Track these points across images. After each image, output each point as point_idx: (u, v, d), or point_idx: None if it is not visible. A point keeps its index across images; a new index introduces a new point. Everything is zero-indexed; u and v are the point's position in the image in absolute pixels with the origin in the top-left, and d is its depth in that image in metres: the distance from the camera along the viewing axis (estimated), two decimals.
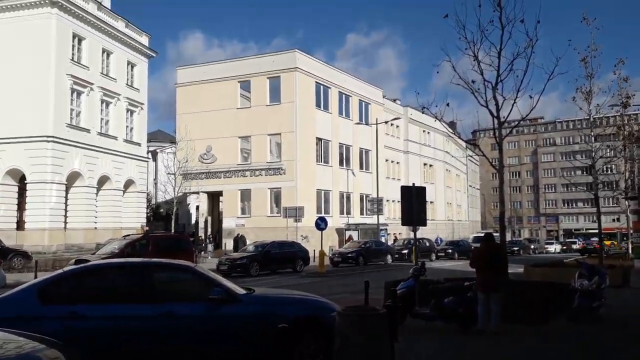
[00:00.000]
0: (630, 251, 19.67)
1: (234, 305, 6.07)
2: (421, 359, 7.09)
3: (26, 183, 28.57)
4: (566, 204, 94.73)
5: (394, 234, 43.14)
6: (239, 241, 30.68)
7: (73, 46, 29.90)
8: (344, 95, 41.08)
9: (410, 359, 6.79)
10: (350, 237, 34.39)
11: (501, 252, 9.11)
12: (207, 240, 35.20)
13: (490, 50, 10.90)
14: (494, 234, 10.73)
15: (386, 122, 40.97)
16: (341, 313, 5.68)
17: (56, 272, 6.57)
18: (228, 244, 35.53)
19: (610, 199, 23.70)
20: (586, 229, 72.62)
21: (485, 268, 8.71)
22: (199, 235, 36.19)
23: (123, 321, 5.71)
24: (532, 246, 49.40)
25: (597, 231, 19.60)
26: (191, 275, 6.49)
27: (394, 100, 52.43)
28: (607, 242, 32.05)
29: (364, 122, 41.30)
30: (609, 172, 20.63)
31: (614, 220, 64.50)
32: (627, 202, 20.74)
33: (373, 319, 5.56)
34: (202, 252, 33.60)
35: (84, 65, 30.49)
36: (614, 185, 21.08)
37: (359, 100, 42.81)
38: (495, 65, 10.83)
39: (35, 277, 14.45)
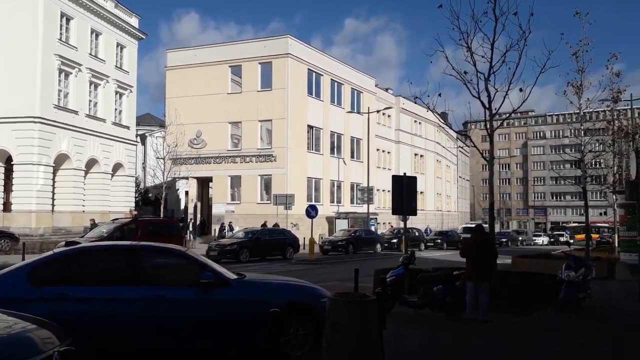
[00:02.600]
0: (616, 244, 19.98)
1: (225, 290, 6.07)
2: (409, 346, 7.17)
3: (13, 164, 28.22)
4: (554, 197, 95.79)
5: (389, 223, 43.38)
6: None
7: (61, 26, 29.38)
8: (336, 83, 40.92)
9: (398, 346, 6.86)
10: (353, 225, 34.04)
11: (491, 243, 9.20)
12: (230, 227, 32.06)
13: (484, 41, 10.91)
14: (484, 225, 10.85)
15: (378, 112, 40.96)
16: (332, 299, 5.71)
17: (46, 253, 6.50)
18: (216, 230, 35.47)
19: (598, 192, 23.94)
20: (573, 222, 73.50)
21: (476, 258, 8.81)
22: (223, 224, 32.98)
23: (114, 303, 5.69)
24: (520, 238, 49.92)
25: (584, 224, 19.84)
26: (182, 259, 6.47)
27: (386, 90, 52.38)
28: None
29: (355, 111, 41.23)
30: (598, 166, 20.86)
31: (600, 214, 65.43)
32: (614, 196, 20.99)
33: (363, 305, 5.60)
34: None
35: (72, 46, 29.99)
36: (602, 179, 21.34)
37: (351, 88, 42.69)
38: (488, 56, 10.84)
39: (23, 259, 14.33)
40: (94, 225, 24.43)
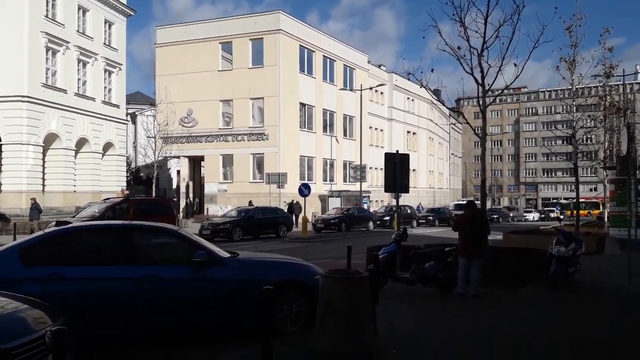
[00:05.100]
0: (606, 219, 20.21)
1: (218, 268, 6.09)
2: (401, 321, 7.26)
3: (2, 144, 27.89)
4: (546, 173, 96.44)
5: (382, 201, 43.51)
6: (294, 207, 29.82)
7: (47, 2, 28.71)
8: (328, 60, 40.50)
9: (390, 321, 6.95)
10: (357, 204, 33.80)
11: (484, 219, 9.25)
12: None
13: (477, 16, 10.79)
14: (475, 202, 10.91)
15: (371, 89, 40.67)
16: (325, 275, 5.75)
17: (38, 233, 6.46)
18: (210, 209, 35.51)
19: (588, 168, 24.11)
20: (564, 198, 74.14)
21: (468, 234, 8.86)
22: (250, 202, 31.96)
23: (106, 283, 5.68)
24: (511, 214, 50.39)
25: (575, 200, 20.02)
26: (175, 238, 6.46)
27: (379, 66, 51.97)
28: None
29: (348, 88, 40.92)
30: (589, 142, 20.94)
31: (591, 189, 66.00)
32: (605, 172, 21.14)
33: (356, 281, 5.65)
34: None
35: (59, 23, 29.36)
36: (593, 155, 21.46)
37: (344, 65, 42.29)
38: (481, 32, 10.75)
39: (14, 239, 14.26)
40: (34, 204, 22.89)
